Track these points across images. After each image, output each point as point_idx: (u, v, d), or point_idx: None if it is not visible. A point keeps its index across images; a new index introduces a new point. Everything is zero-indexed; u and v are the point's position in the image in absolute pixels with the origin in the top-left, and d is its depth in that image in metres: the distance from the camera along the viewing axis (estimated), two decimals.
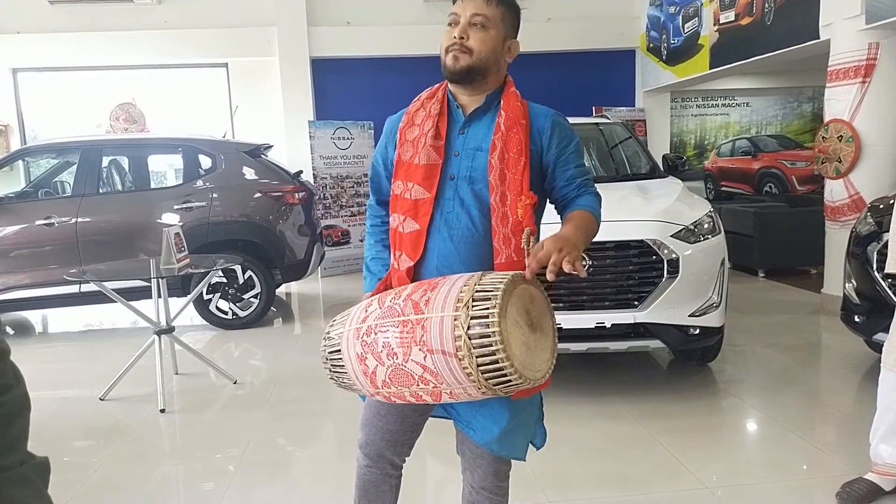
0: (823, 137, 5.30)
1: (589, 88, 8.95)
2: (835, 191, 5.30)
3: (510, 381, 1.28)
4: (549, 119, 1.59)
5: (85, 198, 5.29)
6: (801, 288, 6.13)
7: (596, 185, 1.65)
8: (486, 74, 1.56)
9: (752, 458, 2.98)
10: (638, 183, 4.42)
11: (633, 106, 9.20)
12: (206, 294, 5.32)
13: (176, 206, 5.39)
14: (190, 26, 8.22)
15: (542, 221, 1.65)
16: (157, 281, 3.90)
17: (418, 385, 1.36)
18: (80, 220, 5.21)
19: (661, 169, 4.83)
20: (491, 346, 1.25)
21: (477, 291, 1.30)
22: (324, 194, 7.66)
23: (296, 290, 7.11)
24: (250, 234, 5.51)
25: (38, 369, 4.54)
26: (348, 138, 7.94)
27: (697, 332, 3.46)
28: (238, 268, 5.33)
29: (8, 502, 0.73)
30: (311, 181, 7.26)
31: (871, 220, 3.65)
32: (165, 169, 8.79)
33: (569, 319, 3.34)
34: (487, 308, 1.27)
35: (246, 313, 5.46)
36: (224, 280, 5.38)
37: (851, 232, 3.86)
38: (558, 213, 1.64)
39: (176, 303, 4.51)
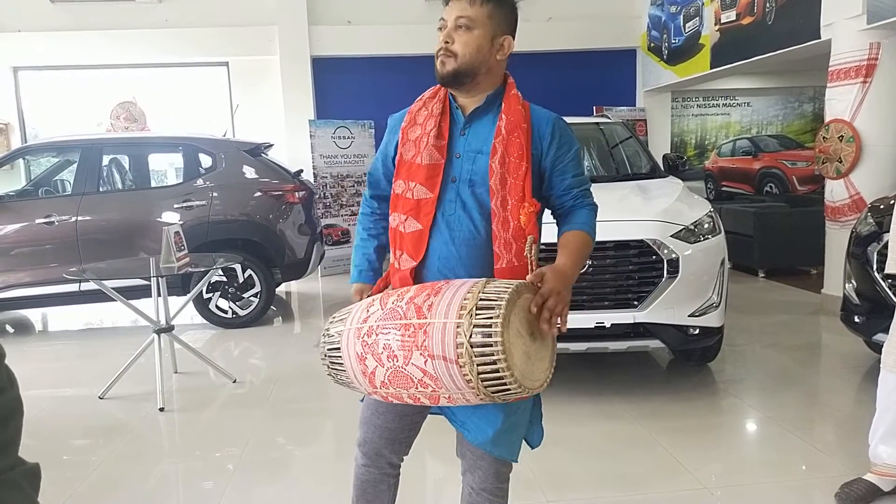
0: (824, 137, 5.30)
1: (590, 88, 8.95)
2: (835, 191, 5.30)
3: (509, 389, 1.29)
4: (551, 124, 1.58)
5: (85, 196, 5.29)
6: (801, 288, 6.13)
7: (596, 184, 1.65)
8: (474, 76, 1.54)
9: (752, 458, 2.98)
10: (638, 183, 4.42)
11: (634, 105, 9.19)
12: (206, 293, 5.32)
13: (176, 205, 5.39)
14: (191, 25, 8.21)
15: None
16: (157, 279, 3.90)
17: (417, 388, 1.36)
18: (80, 218, 5.21)
19: (662, 169, 4.83)
20: (492, 355, 1.26)
21: (481, 300, 1.30)
22: (324, 193, 7.67)
23: (296, 289, 7.11)
24: (250, 233, 5.52)
25: (37, 368, 4.55)
26: (349, 137, 7.94)
27: (697, 332, 3.46)
28: (238, 267, 5.33)
29: None
30: (312, 180, 7.27)
31: (871, 221, 3.64)
32: (166, 168, 8.78)
33: (568, 319, 3.32)
34: (491, 317, 1.27)
35: (246, 312, 5.46)
36: (224, 279, 5.38)
37: (852, 232, 3.85)
38: (554, 219, 1.64)
39: (176, 301, 4.51)
